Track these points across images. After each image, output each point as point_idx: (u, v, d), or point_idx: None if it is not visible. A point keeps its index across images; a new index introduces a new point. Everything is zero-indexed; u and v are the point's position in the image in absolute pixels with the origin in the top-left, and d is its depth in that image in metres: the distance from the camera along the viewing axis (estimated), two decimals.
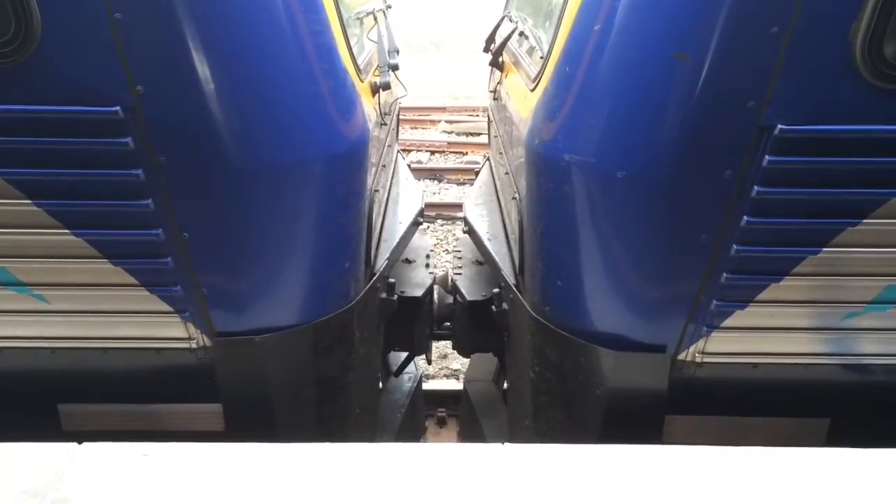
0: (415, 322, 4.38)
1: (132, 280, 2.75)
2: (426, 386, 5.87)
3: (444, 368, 6.91)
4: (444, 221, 10.42)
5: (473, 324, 4.34)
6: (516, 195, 3.55)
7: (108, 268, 2.71)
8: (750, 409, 3.08)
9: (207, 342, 2.96)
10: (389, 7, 5.38)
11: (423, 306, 4.36)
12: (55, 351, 2.96)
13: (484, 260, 4.47)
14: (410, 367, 5.00)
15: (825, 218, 2.54)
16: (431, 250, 5.08)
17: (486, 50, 4.81)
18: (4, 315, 2.85)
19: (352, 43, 3.11)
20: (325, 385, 3.33)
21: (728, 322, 2.80)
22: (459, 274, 4.72)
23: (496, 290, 3.91)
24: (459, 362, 6.80)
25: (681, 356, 2.93)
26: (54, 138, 2.43)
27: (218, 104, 2.46)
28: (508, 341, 3.89)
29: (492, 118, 5.53)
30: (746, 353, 2.93)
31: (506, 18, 4.95)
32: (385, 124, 4.11)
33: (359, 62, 3.22)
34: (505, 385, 4.75)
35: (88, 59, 2.34)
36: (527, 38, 3.84)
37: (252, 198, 2.68)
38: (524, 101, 3.31)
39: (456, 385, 6.22)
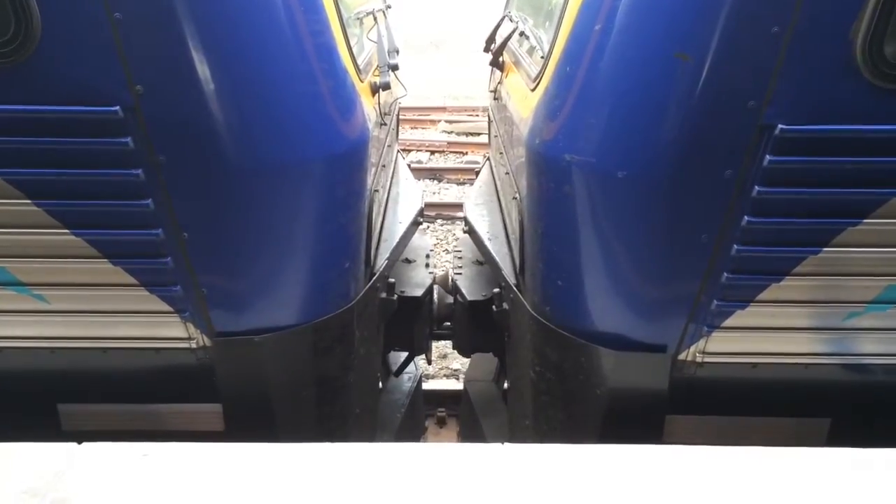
0: (415, 322, 4.38)
1: (132, 280, 2.75)
2: (426, 386, 5.86)
3: (444, 368, 6.90)
4: (444, 221, 10.42)
5: (474, 324, 4.34)
6: (517, 195, 3.54)
7: (107, 268, 2.71)
8: (751, 409, 3.08)
9: (207, 342, 2.96)
10: (389, 7, 5.38)
11: (423, 306, 4.36)
12: (55, 351, 2.96)
13: (484, 260, 4.46)
14: (410, 367, 4.99)
15: (826, 218, 2.53)
16: (431, 250, 5.09)
17: (487, 50, 4.81)
18: (4, 315, 2.85)
19: (352, 43, 3.11)
20: (324, 385, 3.33)
21: (729, 322, 2.80)
22: (460, 274, 4.72)
23: (496, 289, 3.91)
24: (459, 362, 6.79)
25: (681, 356, 2.93)
26: (54, 138, 2.43)
27: (218, 104, 2.46)
28: (509, 341, 3.89)
29: (492, 118, 5.53)
30: (747, 353, 2.92)
31: (506, 18, 4.95)
32: (385, 124, 4.11)
33: (359, 62, 3.22)
34: (505, 385, 4.75)
35: (88, 59, 2.34)
36: (527, 37, 3.84)
37: (252, 198, 2.68)
38: (525, 101, 3.31)
39: (456, 385, 6.21)
